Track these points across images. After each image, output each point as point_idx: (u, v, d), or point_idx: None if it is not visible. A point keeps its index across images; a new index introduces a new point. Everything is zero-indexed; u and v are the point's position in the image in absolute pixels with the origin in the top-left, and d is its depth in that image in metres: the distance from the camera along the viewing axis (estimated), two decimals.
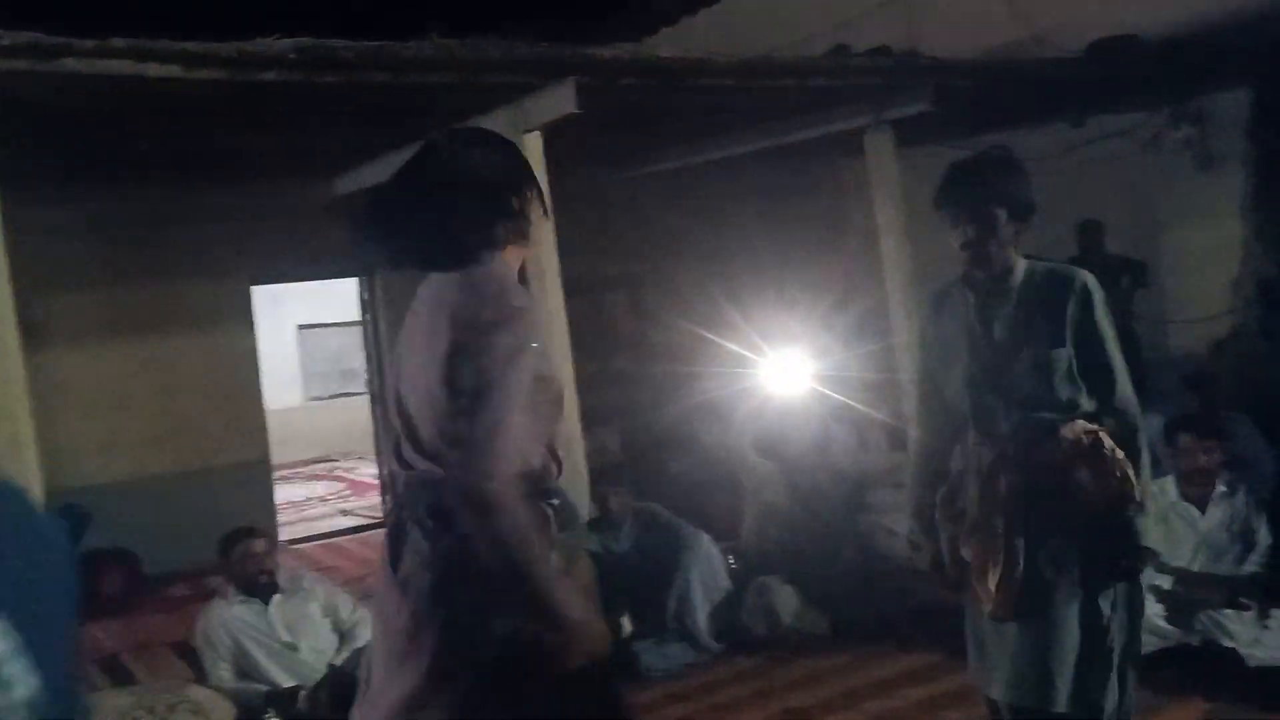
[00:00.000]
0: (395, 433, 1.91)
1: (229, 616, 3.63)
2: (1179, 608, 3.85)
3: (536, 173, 3.10)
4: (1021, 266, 2.62)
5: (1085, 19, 6.03)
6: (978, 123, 7.07)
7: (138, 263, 6.42)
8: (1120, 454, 2.48)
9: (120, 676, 4.40)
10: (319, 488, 9.89)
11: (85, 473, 6.05)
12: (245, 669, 3.60)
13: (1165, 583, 3.93)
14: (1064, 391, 2.54)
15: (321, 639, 3.69)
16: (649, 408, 7.33)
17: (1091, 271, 7.39)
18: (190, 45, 3.28)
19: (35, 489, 3.01)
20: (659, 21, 8.90)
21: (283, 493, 9.51)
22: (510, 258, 1.91)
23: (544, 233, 4.08)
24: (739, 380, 6.04)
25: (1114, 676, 2.51)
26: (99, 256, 6.31)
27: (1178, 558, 3.96)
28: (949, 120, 6.29)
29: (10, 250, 3.17)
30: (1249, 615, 3.73)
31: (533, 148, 4.38)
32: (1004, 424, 2.59)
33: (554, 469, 1.93)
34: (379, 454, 7.66)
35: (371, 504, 8.02)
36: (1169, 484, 4.06)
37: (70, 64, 3.15)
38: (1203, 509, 4.00)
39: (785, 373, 5.84)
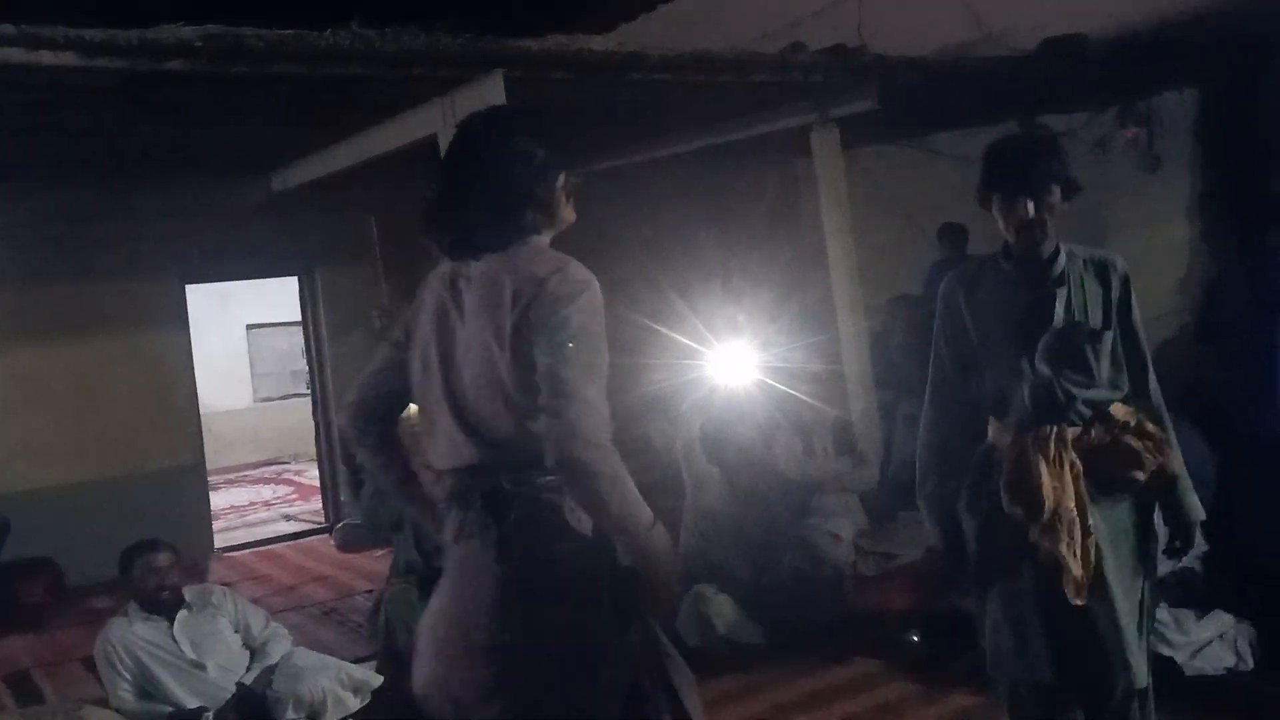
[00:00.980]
0: (442, 429, 1.91)
1: (129, 635, 3.45)
2: None
3: None
4: (1062, 248, 2.64)
5: (1035, 19, 5.99)
6: (926, 121, 7.03)
7: (54, 261, 6.17)
8: (1160, 433, 2.56)
9: (28, 693, 4.21)
10: (265, 491, 9.69)
11: (4, 479, 5.83)
12: (149, 689, 3.43)
13: None
14: (1109, 373, 2.59)
15: (231, 657, 3.52)
16: None
17: None
18: (87, 33, 3.11)
19: None
20: (619, 18, 8.82)
21: (226, 497, 9.34)
22: (546, 239, 1.98)
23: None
24: (686, 371, 5.95)
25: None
26: (9, 255, 6.07)
27: None
28: (897, 119, 6.23)
29: None
30: (1187, 622, 3.67)
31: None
32: (1060, 403, 2.60)
33: None
34: (320, 457, 7.49)
35: (315, 509, 7.84)
36: None
37: None
38: None
39: (731, 364, 5.75)
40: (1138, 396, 2.61)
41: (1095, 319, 2.58)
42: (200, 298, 7.70)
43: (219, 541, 6.96)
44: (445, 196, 1.94)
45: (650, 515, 1.88)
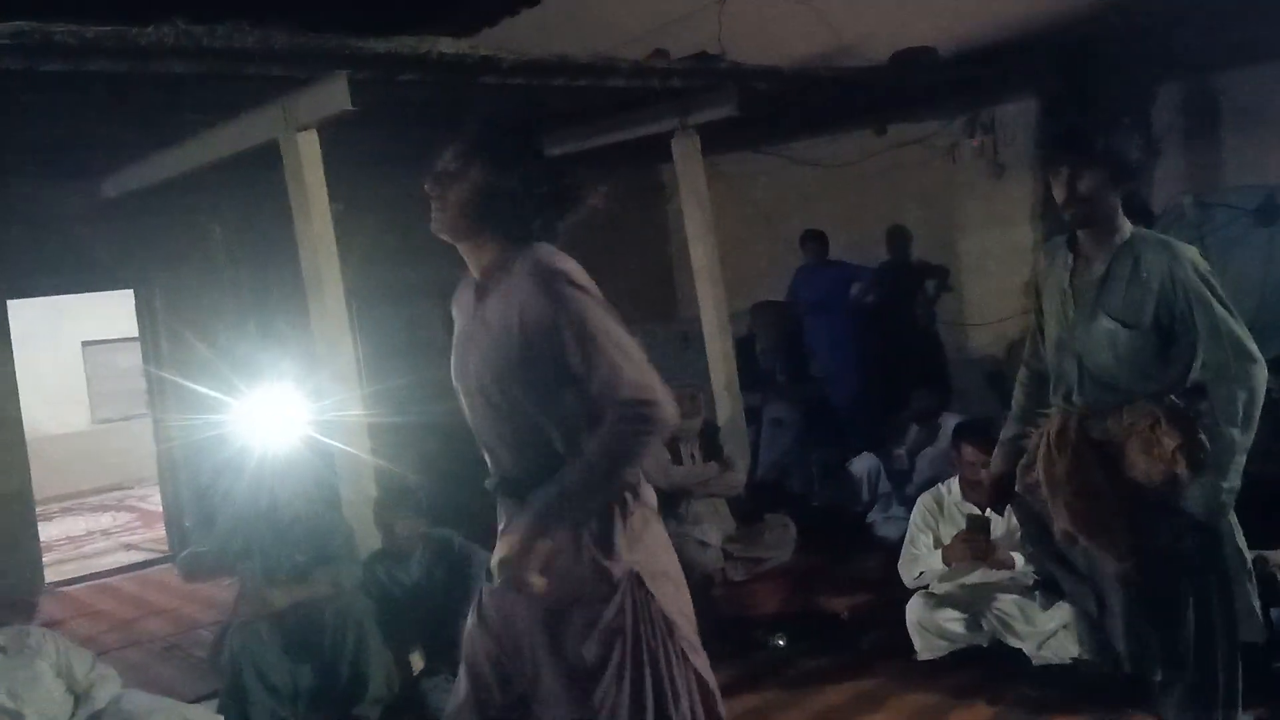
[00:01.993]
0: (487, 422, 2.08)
1: None
2: (965, 608, 3.86)
3: (316, 174, 3.64)
4: (1125, 234, 2.66)
5: (888, 31, 6.12)
6: (785, 129, 7.12)
7: None
8: (1174, 440, 2.55)
9: None
10: (104, 519, 9.12)
11: None
12: None
13: (952, 587, 3.95)
14: (1144, 369, 2.62)
15: (52, 704, 3.23)
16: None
17: (898, 276, 7.47)
18: None
19: None
20: (481, 22, 8.65)
21: (60, 527, 8.76)
22: None
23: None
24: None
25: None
26: None
27: None
28: (758, 126, 6.29)
29: None
30: (1033, 612, 3.75)
31: (307, 147, 4.06)
32: (1075, 394, 2.70)
33: None
34: (163, 481, 7.06)
35: (158, 536, 7.39)
36: (955, 485, 4.11)
37: None
38: (984, 511, 4.03)
39: None
40: (1179, 393, 2.61)
41: (1130, 315, 2.61)
42: (28, 313, 7.18)
43: (50, 575, 6.49)
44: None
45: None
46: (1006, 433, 3.04)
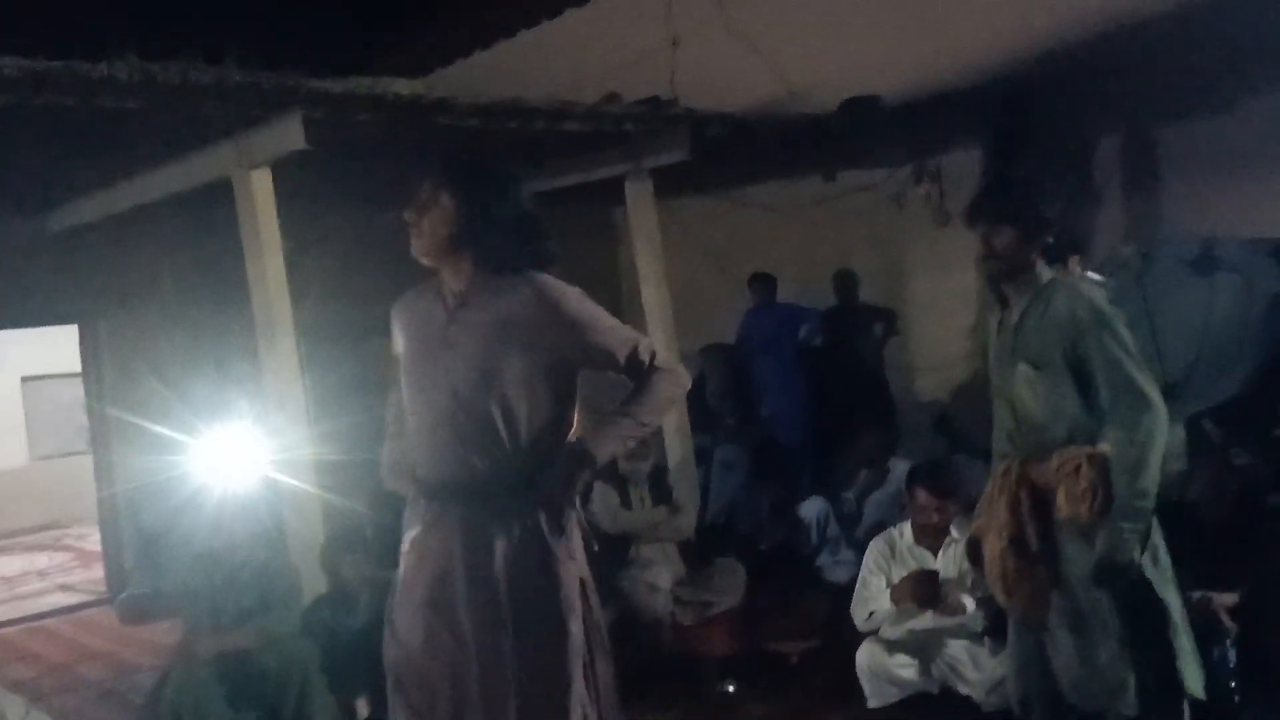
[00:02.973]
0: (489, 432, 2.25)
1: None
2: (915, 653, 3.89)
3: (268, 211, 3.86)
4: (1042, 281, 2.77)
5: (836, 79, 6.26)
6: (736, 173, 7.23)
7: None
8: (1093, 481, 2.62)
9: None
10: (40, 559, 8.86)
11: None
12: None
13: (900, 633, 3.97)
14: (1060, 415, 2.71)
15: None
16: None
17: (845, 319, 7.54)
18: None
19: None
20: (435, 63, 8.69)
21: None
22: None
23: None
24: None
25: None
26: None
27: None
28: (710, 170, 6.37)
29: None
30: (982, 658, 3.78)
31: (260, 185, 4.05)
32: (1006, 442, 2.81)
33: None
34: (103, 520, 6.90)
35: (96, 577, 7.21)
36: (907, 528, 4.15)
37: None
38: (936, 554, 4.09)
39: None
40: (1105, 434, 2.68)
41: (1041, 357, 2.71)
42: None
43: None
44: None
45: None
46: None
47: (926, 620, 3.96)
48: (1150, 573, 2.73)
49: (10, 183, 5.01)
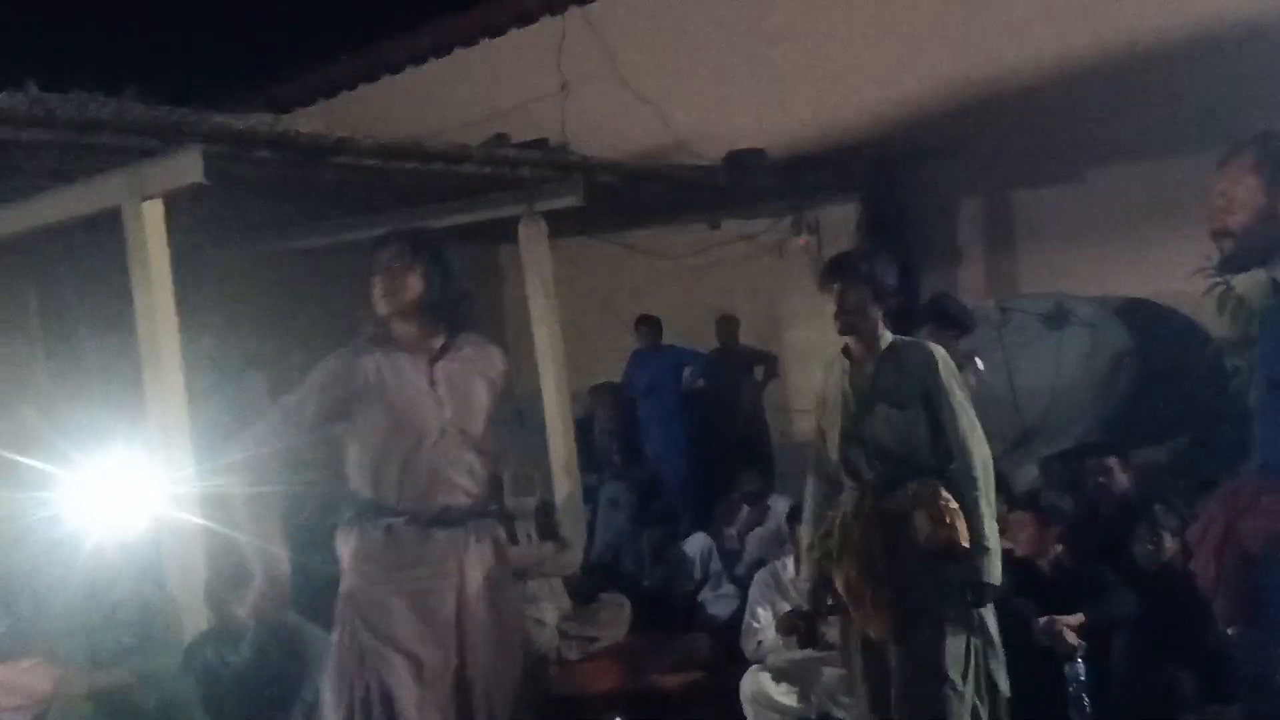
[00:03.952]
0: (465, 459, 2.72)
1: None
2: (795, 681, 4.07)
3: (159, 243, 3.94)
4: (886, 340, 3.12)
5: (722, 132, 6.54)
6: (627, 219, 7.42)
7: None
8: (953, 504, 2.97)
9: None
10: None
11: None
12: None
13: (782, 661, 4.16)
14: (915, 448, 3.02)
15: None
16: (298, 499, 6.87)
17: (727, 362, 7.81)
18: None
19: None
20: (319, 95, 8.66)
21: None
22: None
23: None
24: None
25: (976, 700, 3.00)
26: None
27: None
28: (600, 214, 6.54)
29: None
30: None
31: (152, 217, 4.02)
32: (866, 474, 3.07)
33: None
34: None
35: None
36: (790, 562, 4.34)
37: None
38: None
39: None
40: (948, 470, 3.04)
41: (902, 398, 3.04)
42: None
43: None
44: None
45: None
46: (805, 540, 3.35)
47: (807, 650, 4.15)
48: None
49: None
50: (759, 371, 7.56)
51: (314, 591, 5.01)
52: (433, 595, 2.66)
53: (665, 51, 6.99)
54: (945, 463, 3.07)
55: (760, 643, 4.24)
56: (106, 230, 4.69)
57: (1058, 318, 5.39)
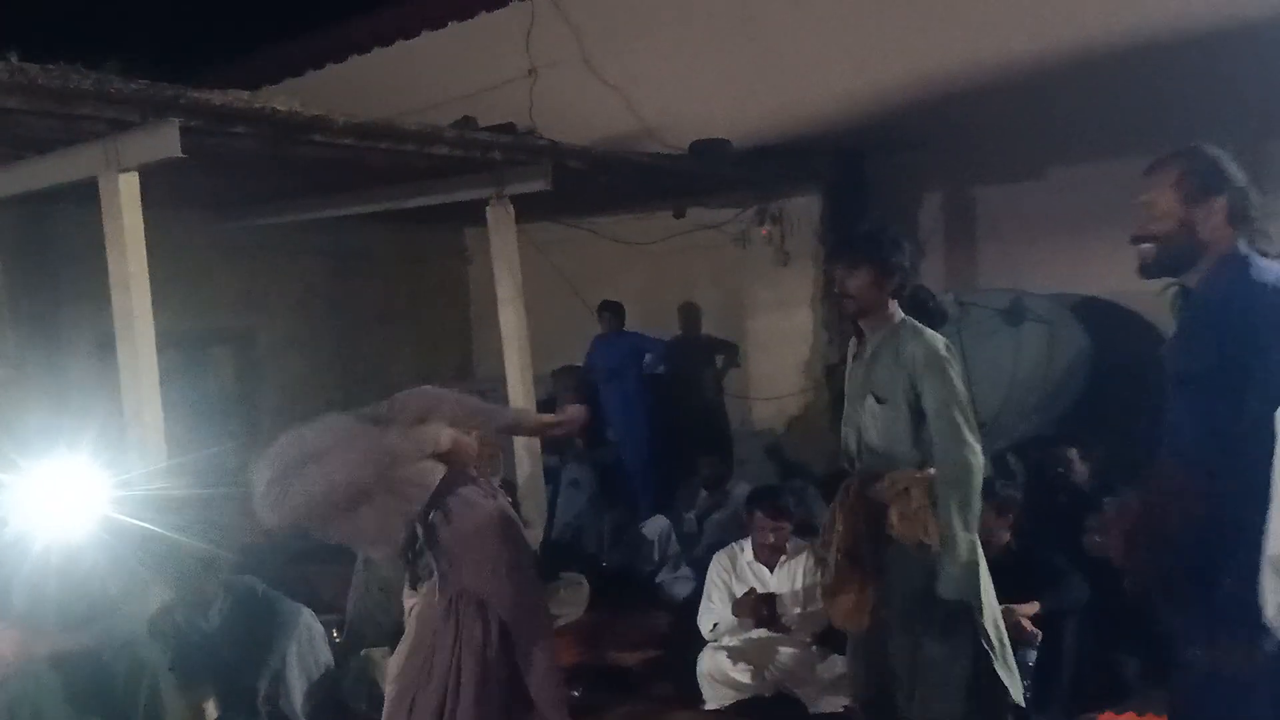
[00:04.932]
0: None
1: None
2: (751, 659, 4.20)
3: (134, 215, 3.81)
4: (895, 321, 3.04)
5: (688, 121, 6.62)
6: (593, 204, 7.49)
7: None
8: (922, 503, 2.92)
9: None
10: None
11: None
12: None
13: (738, 641, 4.28)
14: (900, 441, 2.98)
15: None
16: None
17: (688, 349, 7.92)
18: None
19: None
20: (286, 73, 8.61)
21: None
22: None
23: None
24: None
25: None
26: None
27: None
28: (566, 199, 6.60)
29: None
30: (813, 665, 4.12)
31: (128, 189, 4.02)
32: (856, 460, 3.08)
33: None
34: None
35: None
36: (748, 545, 4.47)
37: None
38: (773, 569, 4.42)
39: None
40: (929, 464, 2.98)
41: (886, 392, 2.98)
42: None
43: None
44: None
45: None
46: None
47: (762, 631, 4.29)
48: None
49: None
50: (719, 360, 7.69)
51: (281, 563, 5.08)
52: None
53: (633, 39, 7.05)
54: (925, 459, 3.01)
55: (716, 624, 4.36)
56: (77, 202, 4.68)
57: (1015, 313, 5.51)
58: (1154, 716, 3.53)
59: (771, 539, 4.40)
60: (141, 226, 4.04)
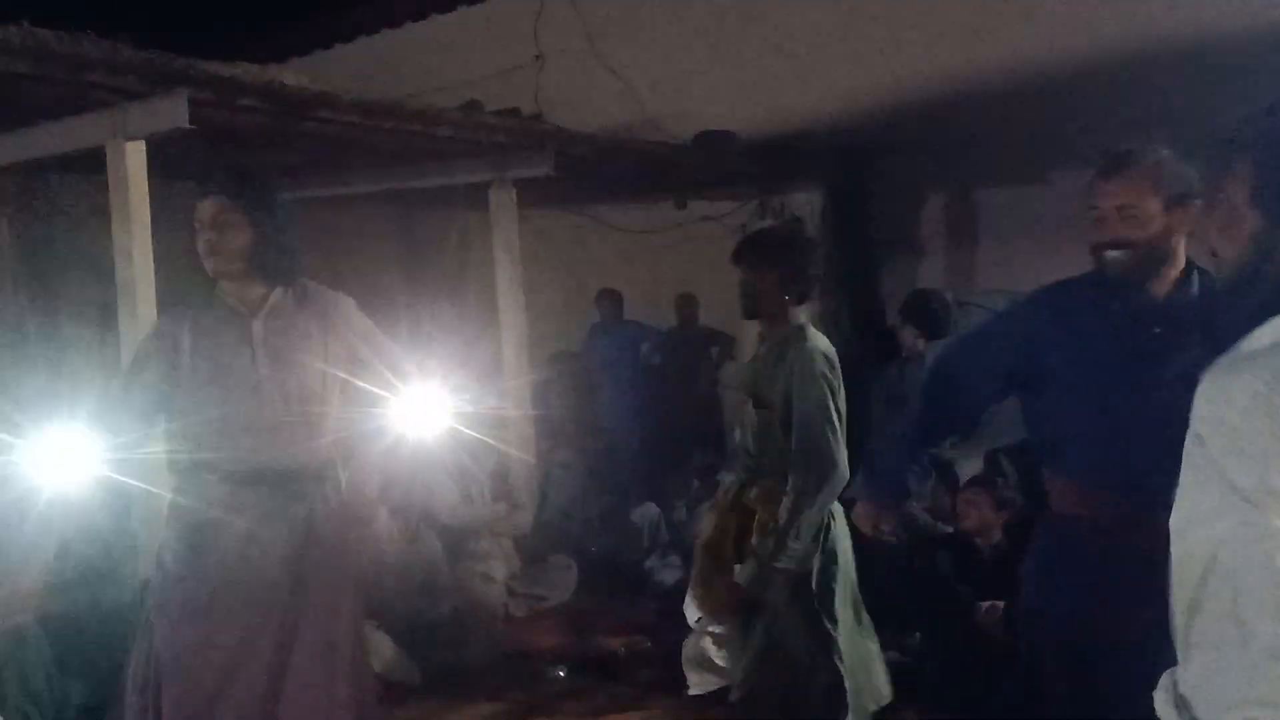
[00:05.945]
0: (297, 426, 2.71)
1: None
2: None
3: (140, 185, 3.87)
4: (791, 327, 2.95)
5: (693, 112, 6.64)
6: (594, 192, 7.52)
7: None
8: (762, 509, 2.88)
9: None
10: None
11: None
12: None
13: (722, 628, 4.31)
14: (768, 449, 2.91)
15: None
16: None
17: (684, 340, 7.93)
18: None
19: None
20: (293, 52, 8.62)
21: None
22: None
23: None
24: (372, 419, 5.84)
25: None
26: None
27: None
28: (569, 186, 6.63)
29: None
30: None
31: (134, 157, 4.05)
32: (739, 463, 3.07)
33: None
34: None
35: None
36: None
37: None
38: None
39: (421, 411, 5.73)
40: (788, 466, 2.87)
41: (770, 396, 2.91)
42: None
43: None
44: None
45: None
46: None
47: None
48: (818, 604, 2.88)
49: None
50: (714, 352, 7.72)
51: None
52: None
53: (641, 29, 7.07)
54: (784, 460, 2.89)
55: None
56: (83, 170, 4.71)
57: None
58: None
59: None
60: (146, 195, 4.07)
